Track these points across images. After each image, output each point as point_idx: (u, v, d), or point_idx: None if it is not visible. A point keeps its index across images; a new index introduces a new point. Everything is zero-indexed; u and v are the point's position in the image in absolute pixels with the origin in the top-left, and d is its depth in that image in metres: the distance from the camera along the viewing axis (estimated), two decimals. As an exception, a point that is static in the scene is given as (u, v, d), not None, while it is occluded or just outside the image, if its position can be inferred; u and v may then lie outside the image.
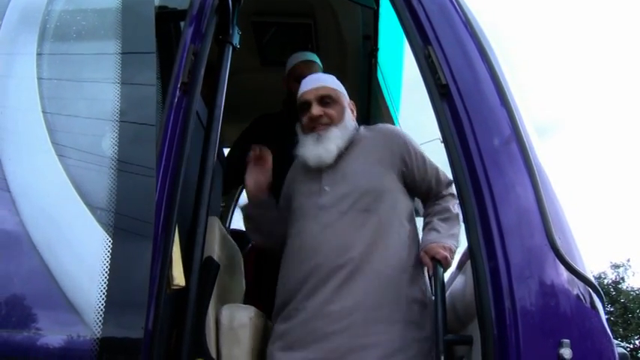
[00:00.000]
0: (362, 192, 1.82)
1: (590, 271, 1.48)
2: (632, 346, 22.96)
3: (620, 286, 25.29)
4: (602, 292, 1.38)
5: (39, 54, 1.59)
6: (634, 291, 24.82)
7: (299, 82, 2.59)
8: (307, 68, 2.64)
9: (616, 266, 25.68)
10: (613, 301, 24.07)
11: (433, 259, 1.72)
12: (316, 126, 1.94)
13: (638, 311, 24.03)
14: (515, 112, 1.49)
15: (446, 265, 1.71)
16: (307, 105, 1.97)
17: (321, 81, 2.04)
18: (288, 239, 1.93)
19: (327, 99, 1.97)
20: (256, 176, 2.04)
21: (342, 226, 1.78)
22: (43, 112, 1.48)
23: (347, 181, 1.86)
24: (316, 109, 1.94)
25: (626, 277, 25.47)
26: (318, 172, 1.93)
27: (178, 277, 1.41)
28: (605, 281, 25.08)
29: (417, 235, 1.89)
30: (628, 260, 25.82)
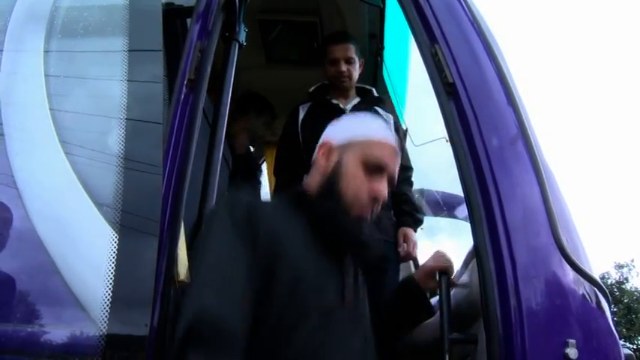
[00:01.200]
0: None
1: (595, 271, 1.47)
2: (635, 347, 22.91)
3: (623, 286, 25.27)
4: (608, 292, 1.38)
5: (46, 51, 1.59)
6: (638, 291, 24.78)
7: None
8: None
9: (620, 266, 25.70)
10: (616, 301, 24.05)
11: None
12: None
13: (641, 311, 24.01)
14: (522, 110, 1.48)
15: (450, 274, 1.59)
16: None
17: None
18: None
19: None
20: None
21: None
22: (51, 108, 1.49)
23: None
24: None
25: (630, 278, 25.47)
26: None
27: (184, 273, 1.42)
28: (609, 281, 25.06)
29: None
30: (632, 260, 25.86)
